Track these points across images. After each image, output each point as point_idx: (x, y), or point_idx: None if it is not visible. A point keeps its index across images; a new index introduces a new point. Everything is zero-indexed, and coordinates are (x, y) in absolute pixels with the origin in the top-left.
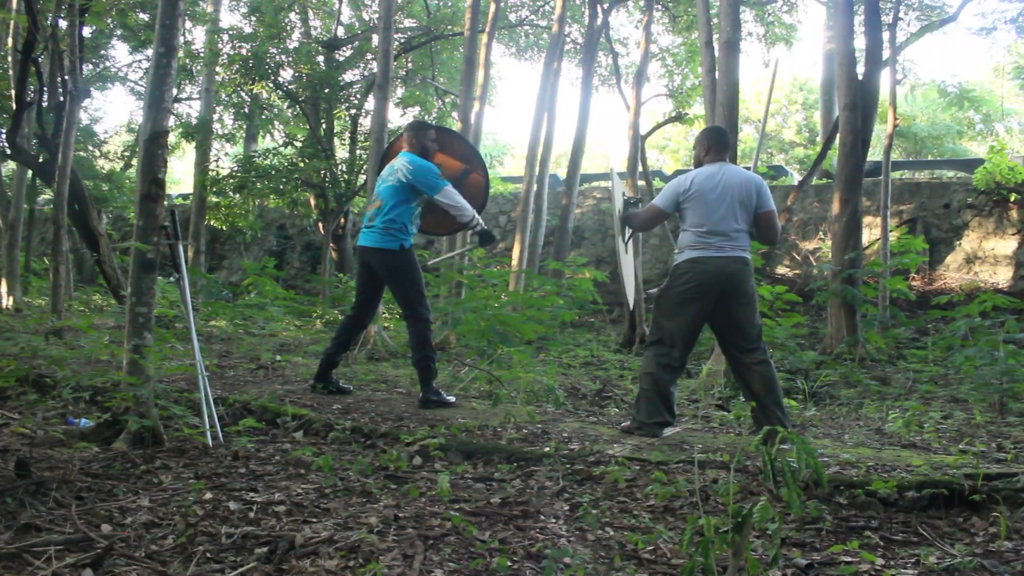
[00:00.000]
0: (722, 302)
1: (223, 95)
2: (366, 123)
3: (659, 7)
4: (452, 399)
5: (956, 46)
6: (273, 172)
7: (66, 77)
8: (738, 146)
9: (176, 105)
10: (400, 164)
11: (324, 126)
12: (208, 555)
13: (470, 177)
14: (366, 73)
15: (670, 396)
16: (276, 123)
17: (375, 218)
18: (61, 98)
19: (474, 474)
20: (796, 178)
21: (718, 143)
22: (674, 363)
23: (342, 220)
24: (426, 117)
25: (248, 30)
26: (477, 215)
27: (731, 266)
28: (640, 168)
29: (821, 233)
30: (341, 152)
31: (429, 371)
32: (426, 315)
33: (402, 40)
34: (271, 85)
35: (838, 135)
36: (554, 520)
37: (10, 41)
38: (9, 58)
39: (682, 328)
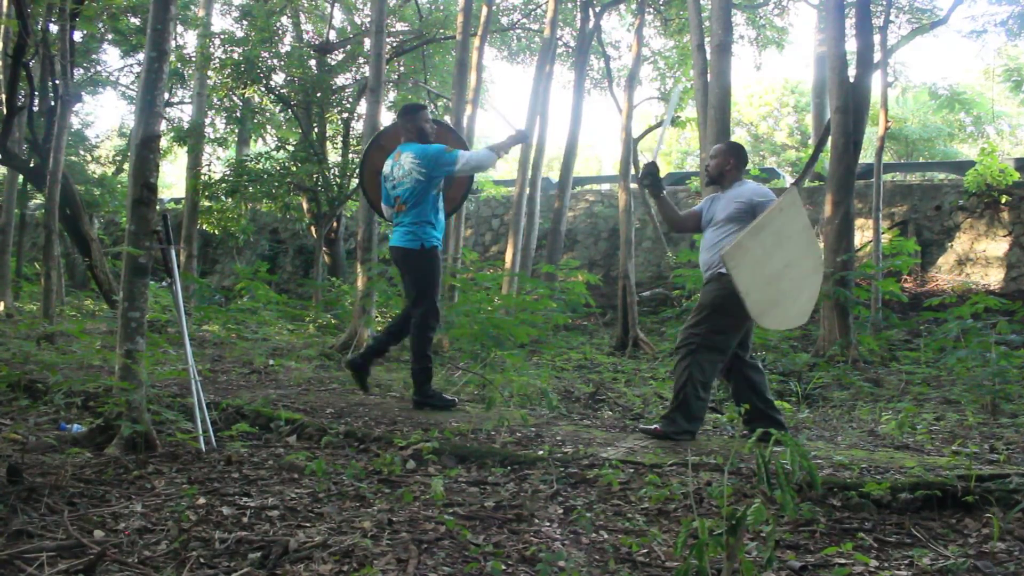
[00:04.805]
0: None
1: (215, 99)
2: (358, 127)
3: (651, 10)
4: (452, 399)
5: (947, 49)
6: (265, 176)
7: (57, 81)
8: None
9: (168, 109)
10: (408, 162)
11: (316, 130)
12: (201, 560)
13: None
14: (358, 77)
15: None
16: (268, 127)
17: (397, 217)
18: (52, 102)
19: (468, 478)
20: (788, 180)
21: (744, 161)
22: (720, 368)
23: (335, 224)
24: None
25: (240, 34)
26: (495, 154)
27: None
28: (632, 171)
29: None
30: (333, 156)
31: (422, 375)
32: (432, 323)
33: (394, 44)
34: (263, 89)
35: (830, 137)
36: (548, 523)
37: (0, 45)
38: None
39: (737, 336)
